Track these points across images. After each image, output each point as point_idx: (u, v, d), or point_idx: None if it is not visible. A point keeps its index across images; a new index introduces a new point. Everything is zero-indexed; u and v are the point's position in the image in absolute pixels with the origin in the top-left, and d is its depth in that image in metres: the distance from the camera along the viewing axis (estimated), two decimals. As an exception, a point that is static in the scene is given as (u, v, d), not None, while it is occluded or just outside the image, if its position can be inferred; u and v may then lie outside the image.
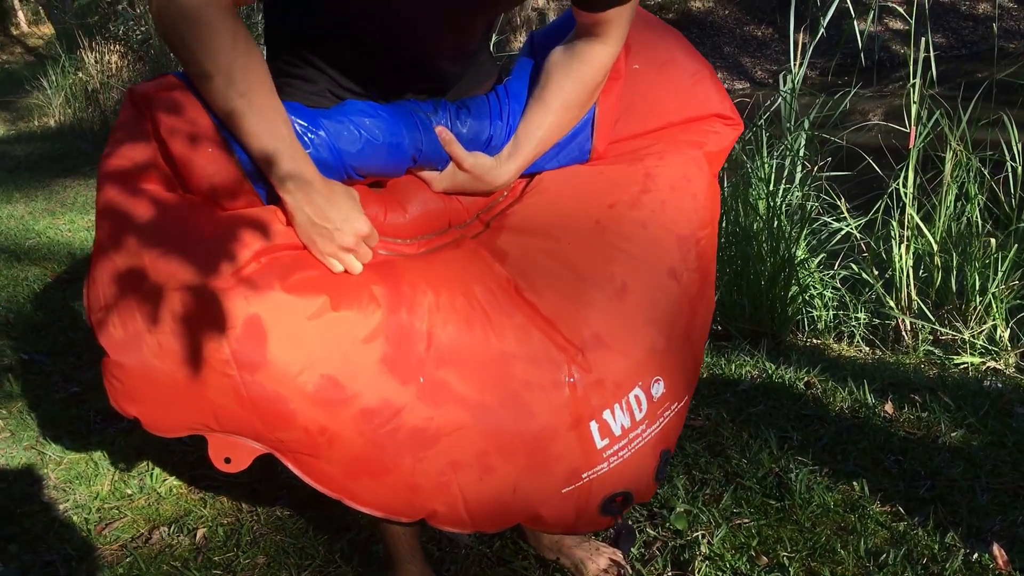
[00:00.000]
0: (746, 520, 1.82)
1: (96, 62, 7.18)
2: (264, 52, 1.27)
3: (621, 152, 1.45)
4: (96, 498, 2.08)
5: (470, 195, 1.40)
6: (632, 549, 1.74)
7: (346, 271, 1.23)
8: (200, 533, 1.92)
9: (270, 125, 1.15)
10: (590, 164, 1.45)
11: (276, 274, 1.15)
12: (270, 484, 2.08)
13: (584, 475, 1.29)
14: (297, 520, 1.94)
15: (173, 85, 1.16)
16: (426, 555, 1.65)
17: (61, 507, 2.05)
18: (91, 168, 5.89)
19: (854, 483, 1.90)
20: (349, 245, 1.21)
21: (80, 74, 7.39)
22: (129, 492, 2.10)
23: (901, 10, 2.88)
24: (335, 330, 1.16)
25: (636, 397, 1.30)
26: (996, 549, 1.63)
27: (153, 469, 2.18)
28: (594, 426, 1.27)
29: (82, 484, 2.14)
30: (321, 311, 1.16)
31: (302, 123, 1.21)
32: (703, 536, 1.77)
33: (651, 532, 1.81)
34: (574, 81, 1.35)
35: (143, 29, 7.20)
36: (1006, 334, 2.58)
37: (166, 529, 1.94)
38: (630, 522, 1.33)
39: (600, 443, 1.28)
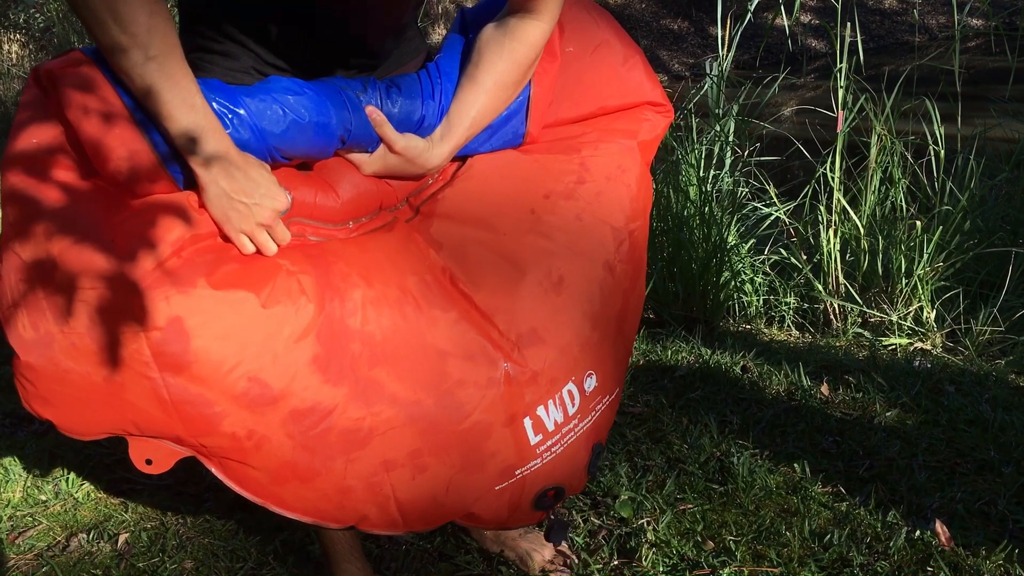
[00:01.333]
0: (690, 505, 1.80)
1: (-4, 51, 6.86)
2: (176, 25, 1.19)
3: (555, 138, 1.41)
4: (7, 505, 1.96)
5: (401, 179, 1.34)
6: (577, 538, 1.71)
7: (263, 253, 1.15)
8: (122, 539, 1.82)
9: (187, 98, 1.07)
10: (524, 150, 1.40)
11: (200, 268, 1.08)
12: (195, 486, 1.98)
13: (518, 472, 1.27)
14: (226, 522, 1.85)
15: (80, 61, 1.06)
16: (365, 553, 1.59)
17: (-32, 517, 1.92)
18: (-8, 161, 5.62)
19: (795, 465, 1.90)
20: (266, 221, 1.14)
21: (-22, 64, 7.05)
22: (43, 498, 1.98)
23: (832, 2, 2.90)
24: (264, 329, 1.10)
25: (569, 392, 1.29)
26: (939, 526, 1.64)
27: (68, 473, 2.06)
28: (528, 423, 1.25)
29: (-9, 491, 2.01)
30: (249, 308, 1.09)
31: (221, 101, 1.12)
32: (648, 523, 1.74)
33: (596, 521, 1.77)
34: (507, 60, 1.30)
35: (45, 17, 6.90)
36: (932, 315, 2.63)
37: (85, 536, 1.83)
38: (562, 515, 1.30)
39: (534, 439, 1.26)
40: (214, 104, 1.11)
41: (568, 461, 1.32)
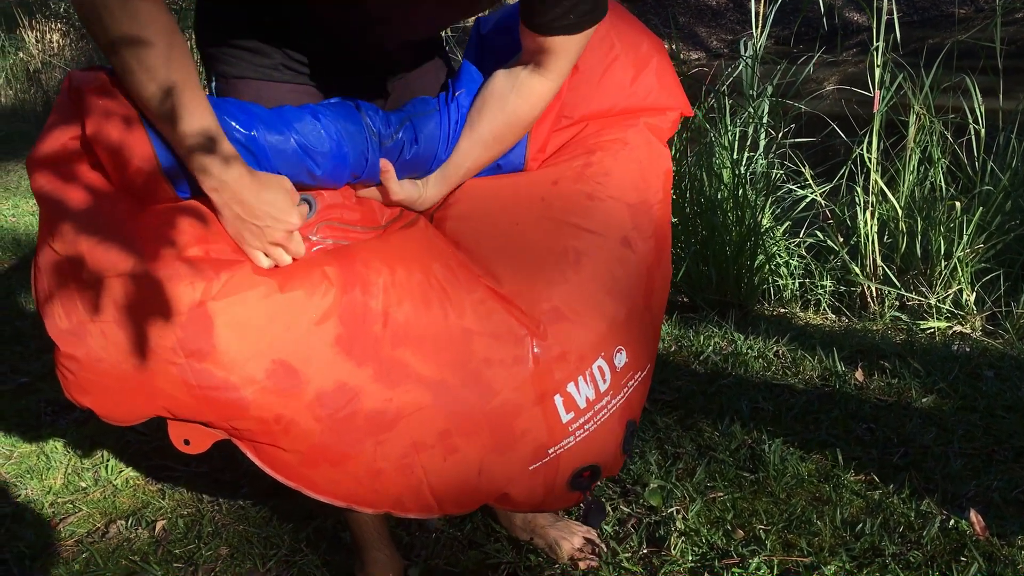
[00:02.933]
0: (721, 494, 1.79)
1: (37, 41, 6.96)
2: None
3: (558, 143, 1.43)
4: (49, 492, 2.00)
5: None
6: (606, 526, 1.71)
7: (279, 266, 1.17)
8: (159, 525, 1.85)
9: (200, 116, 1.06)
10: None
11: (223, 262, 1.10)
12: (231, 473, 2.01)
13: (551, 451, 1.27)
14: (260, 509, 1.88)
15: (106, 76, 1.09)
16: (395, 540, 1.61)
17: (12, 503, 1.96)
18: (35, 150, 5.71)
19: (827, 453, 1.89)
20: (279, 241, 1.14)
21: (21, 54, 7.16)
22: (84, 485, 2.02)
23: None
24: (286, 313, 1.11)
25: (600, 368, 1.28)
26: (973, 515, 1.62)
27: (108, 460, 2.10)
28: (559, 400, 1.25)
29: (34, 478, 2.05)
30: (269, 293, 1.11)
31: (233, 125, 1.13)
32: (678, 511, 1.74)
33: (625, 509, 1.77)
34: (508, 115, 1.32)
35: (86, 6, 6.99)
36: (971, 298, 2.58)
37: (123, 522, 1.87)
38: (600, 497, 1.31)
39: (565, 417, 1.26)
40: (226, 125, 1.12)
41: (602, 439, 1.31)
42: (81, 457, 2.12)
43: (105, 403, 1.12)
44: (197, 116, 1.06)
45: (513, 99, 1.30)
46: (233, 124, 1.12)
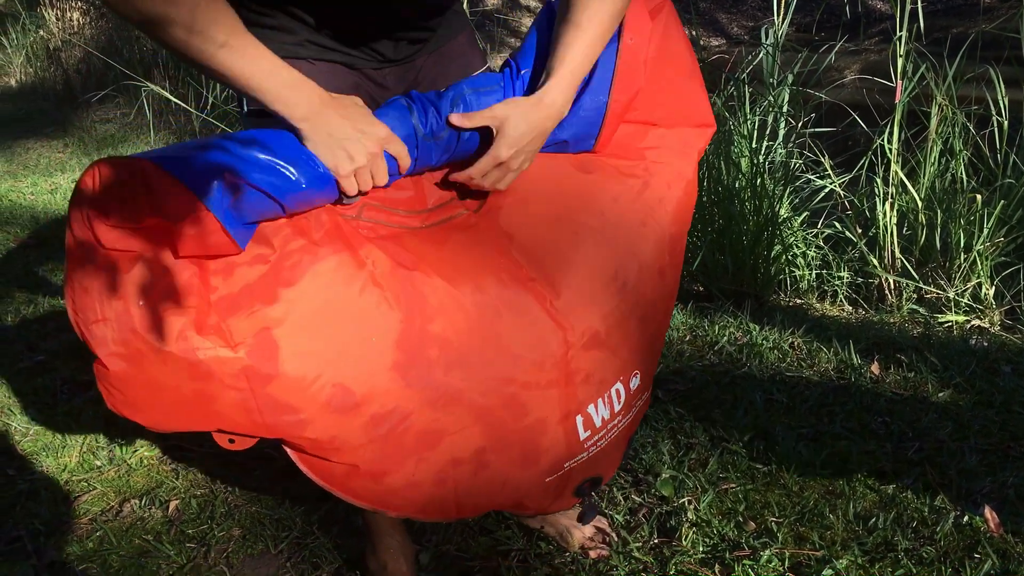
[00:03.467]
0: (733, 485, 1.78)
1: (57, 19, 6.96)
2: None
3: (618, 141, 1.40)
4: (64, 470, 2.02)
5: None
6: (617, 515, 1.71)
7: (371, 187, 1.20)
8: (173, 505, 1.87)
9: (264, 66, 1.10)
10: (583, 166, 1.39)
11: (279, 279, 1.11)
12: (245, 454, 2.01)
13: (566, 464, 1.34)
14: (273, 491, 1.89)
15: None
16: (407, 525, 1.61)
17: (27, 480, 1.98)
18: (53, 129, 5.73)
19: (841, 445, 1.87)
20: (374, 149, 1.16)
21: (41, 32, 7.17)
22: (98, 464, 2.04)
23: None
24: (348, 337, 1.14)
25: (616, 391, 1.35)
26: (988, 512, 1.61)
27: (123, 440, 2.11)
28: (579, 420, 1.31)
29: (49, 456, 2.07)
30: (333, 318, 1.13)
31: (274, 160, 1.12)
32: (689, 502, 1.73)
33: (636, 499, 1.77)
34: (610, 7, 1.26)
35: (106, -15, 6.98)
36: (991, 292, 2.55)
37: (137, 501, 1.89)
38: (595, 499, 1.43)
39: (583, 435, 1.32)
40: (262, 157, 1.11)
41: (609, 453, 1.40)
42: (96, 436, 2.14)
43: (155, 418, 1.14)
44: (255, 56, 1.09)
45: None
46: (280, 163, 1.12)
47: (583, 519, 1.52)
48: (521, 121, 1.25)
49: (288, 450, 1.18)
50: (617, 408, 1.36)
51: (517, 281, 1.26)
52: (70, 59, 6.80)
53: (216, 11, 1.05)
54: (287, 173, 1.11)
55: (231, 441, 1.16)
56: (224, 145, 1.08)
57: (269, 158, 1.10)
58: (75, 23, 6.95)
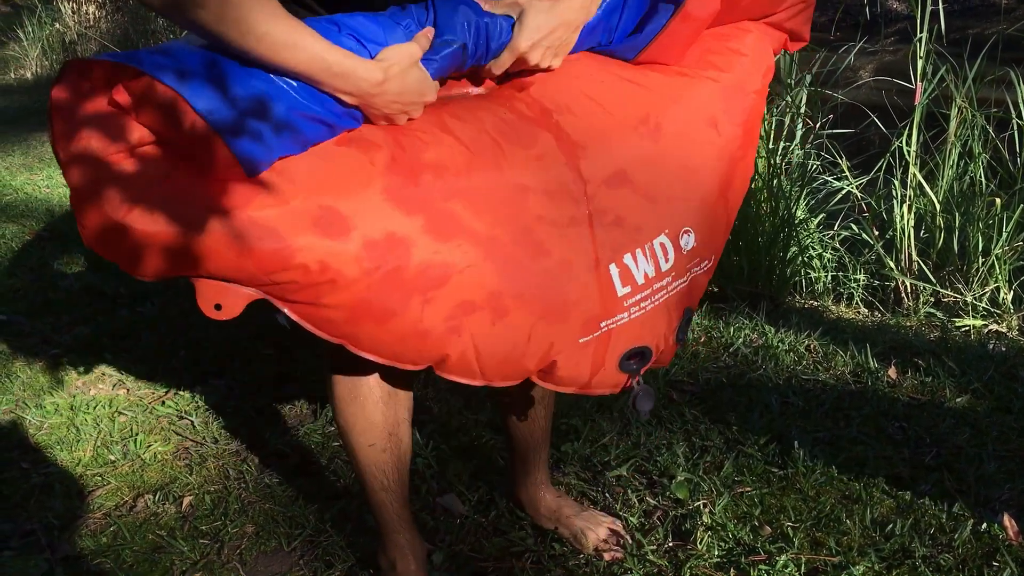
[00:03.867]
0: (748, 489, 1.77)
1: (73, 12, 7.00)
2: None
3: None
4: (78, 464, 2.02)
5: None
6: (631, 518, 1.70)
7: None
8: (186, 501, 1.87)
9: (301, 53, 1.04)
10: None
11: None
12: (259, 451, 2.02)
13: (603, 324, 1.20)
14: (286, 488, 1.88)
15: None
16: (419, 525, 1.60)
17: (41, 474, 1.99)
18: (70, 122, 5.74)
19: (858, 450, 1.86)
20: (416, 115, 1.16)
21: (57, 25, 7.20)
22: (112, 458, 2.04)
23: (909, -38, 2.78)
24: (334, 161, 1.08)
25: (662, 245, 1.23)
26: (1007, 519, 1.59)
27: (137, 434, 2.12)
28: (614, 270, 1.19)
29: (63, 450, 2.07)
30: (320, 148, 1.09)
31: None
32: (704, 505, 1.72)
33: (651, 501, 1.76)
34: None
35: (122, -22, 7.01)
36: (1009, 296, 2.53)
37: (151, 497, 1.89)
38: (647, 384, 1.27)
39: (621, 290, 1.20)
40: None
41: (658, 321, 1.25)
42: (110, 430, 2.14)
43: (128, 259, 1.06)
44: (297, 45, 1.03)
45: None
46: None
47: (637, 403, 1.28)
48: (540, 10, 1.18)
49: (279, 304, 1.11)
50: (665, 267, 1.22)
51: (524, 119, 1.19)
52: (86, 52, 6.82)
53: (263, 5, 1.01)
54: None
55: (217, 307, 1.09)
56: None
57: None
58: (91, 16, 6.98)
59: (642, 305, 1.22)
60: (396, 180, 1.10)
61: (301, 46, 1.04)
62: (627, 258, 1.20)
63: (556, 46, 1.22)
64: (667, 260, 1.23)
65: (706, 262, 1.31)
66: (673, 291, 1.25)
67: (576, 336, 1.20)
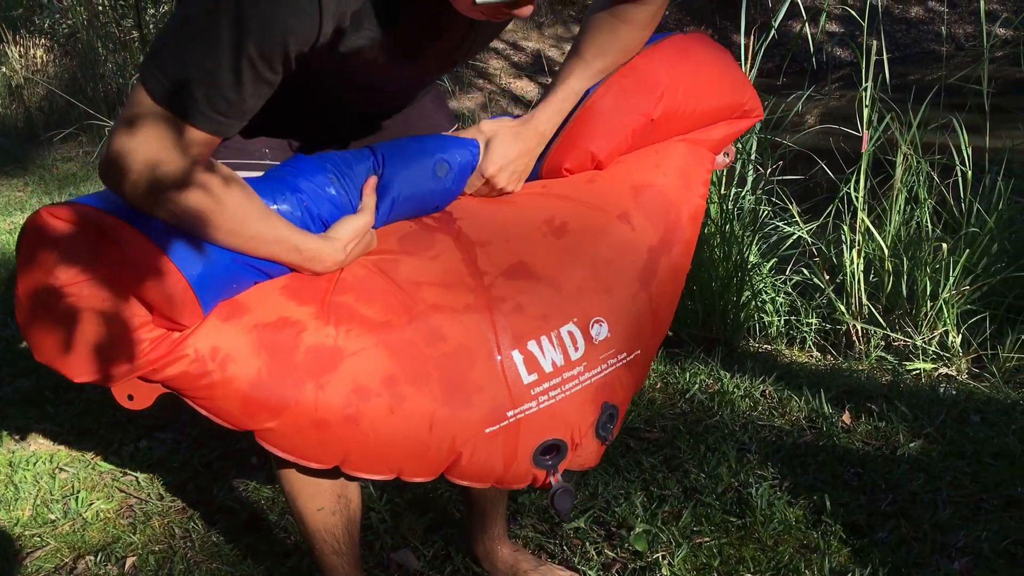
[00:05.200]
0: (707, 539, 1.75)
1: (20, 56, 6.89)
2: None
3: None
4: (16, 524, 1.94)
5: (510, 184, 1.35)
6: (590, 572, 1.67)
7: None
8: (129, 562, 1.80)
9: (278, 245, 1.14)
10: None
11: None
12: (206, 507, 1.96)
13: (510, 414, 1.19)
14: (235, 546, 1.83)
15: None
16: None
17: (-23, 536, 1.90)
18: (13, 167, 5.63)
19: (815, 498, 1.86)
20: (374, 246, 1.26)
21: (3, 69, 7.07)
22: (52, 517, 1.96)
23: (854, 13, 2.85)
24: None
25: (570, 334, 1.22)
26: (962, 567, 1.59)
27: (79, 491, 2.04)
28: (518, 356, 1.19)
29: (1, 509, 1.99)
30: None
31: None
32: (664, 557, 1.70)
33: (610, 553, 1.73)
34: (621, 44, 1.31)
35: (70, 22, 6.92)
36: (957, 340, 2.57)
37: (92, 558, 1.82)
38: (567, 484, 1.24)
39: (527, 378, 1.19)
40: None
41: (570, 412, 1.23)
42: (50, 488, 2.06)
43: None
44: (276, 238, 1.13)
45: (623, 28, 1.29)
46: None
47: (556, 502, 1.24)
48: (506, 139, 1.30)
49: (183, 397, 1.14)
50: (574, 355, 1.21)
51: (424, 227, 1.26)
52: (32, 97, 6.72)
53: (244, 209, 1.10)
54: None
55: (130, 398, 1.13)
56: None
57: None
58: (39, 60, 6.88)
59: (551, 394, 1.21)
60: (294, 284, 1.17)
61: (282, 239, 1.13)
62: (531, 344, 1.20)
63: (520, 171, 1.33)
64: (576, 349, 1.22)
65: (624, 355, 1.28)
66: (587, 382, 1.23)
67: (482, 425, 1.18)
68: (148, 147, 1.02)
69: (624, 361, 1.29)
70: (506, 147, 1.30)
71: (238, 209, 1.09)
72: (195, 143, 1.05)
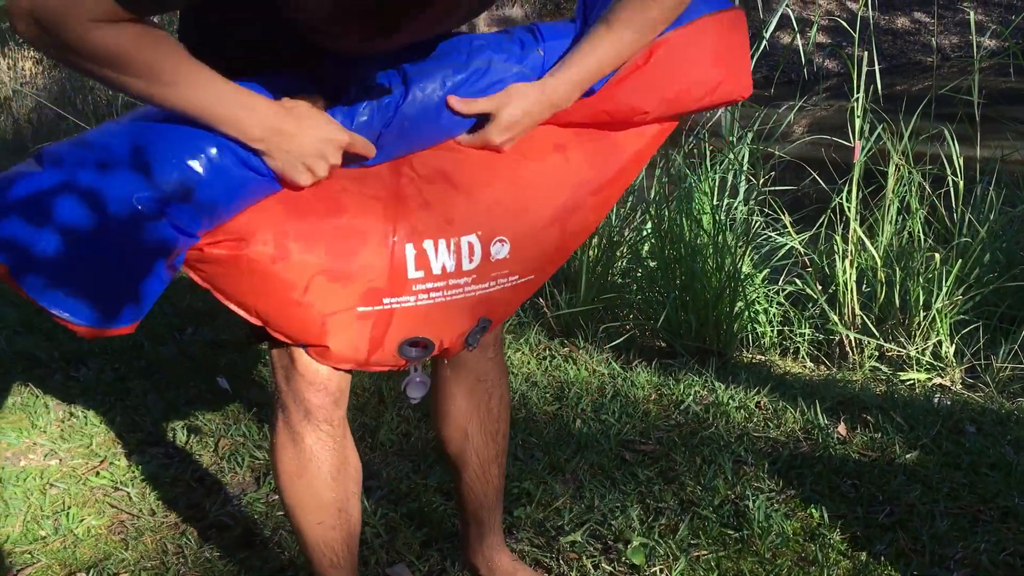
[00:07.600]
0: (704, 552, 1.75)
1: (9, 68, 6.86)
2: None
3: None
4: (6, 541, 1.92)
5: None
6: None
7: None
8: (121, 579, 1.78)
9: (208, 93, 1.09)
10: None
11: None
12: (199, 523, 1.94)
13: (386, 301, 1.22)
14: (228, 562, 1.81)
15: None
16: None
17: (-34, 553, 1.88)
18: (3, 179, 5.60)
19: (812, 510, 1.85)
20: (336, 161, 1.18)
21: (-9, 80, 7.05)
22: (43, 534, 1.94)
23: (846, 25, 2.86)
24: None
25: (470, 244, 1.24)
26: (962, 579, 1.59)
27: (69, 507, 2.02)
28: (410, 251, 1.22)
29: (-10, 526, 1.97)
30: None
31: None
32: (661, 571, 1.69)
33: (607, 568, 1.72)
34: (647, 21, 1.24)
35: (59, 34, 6.89)
36: (951, 350, 2.57)
37: (84, 575, 1.79)
38: (424, 371, 1.30)
39: (413, 272, 1.22)
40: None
41: (446, 316, 1.27)
42: (41, 504, 2.04)
43: None
44: (204, 86, 1.08)
45: (652, 5, 1.23)
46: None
47: (407, 390, 1.30)
48: (517, 108, 1.26)
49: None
50: (467, 266, 1.24)
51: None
52: (21, 109, 6.69)
53: (158, 52, 1.05)
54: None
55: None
56: None
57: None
58: (27, 72, 6.86)
59: (431, 295, 1.24)
60: None
61: (208, 85, 1.08)
62: (427, 243, 1.22)
63: (521, 133, 1.30)
64: (471, 261, 1.25)
65: (515, 277, 1.31)
66: (471, 294, 1.27)
67: (355, 303, 1.21)
68: None
69: (514, 283, 1.32)
70: (516, 115, 1.26)
71: (154, 51, 1.05)
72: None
